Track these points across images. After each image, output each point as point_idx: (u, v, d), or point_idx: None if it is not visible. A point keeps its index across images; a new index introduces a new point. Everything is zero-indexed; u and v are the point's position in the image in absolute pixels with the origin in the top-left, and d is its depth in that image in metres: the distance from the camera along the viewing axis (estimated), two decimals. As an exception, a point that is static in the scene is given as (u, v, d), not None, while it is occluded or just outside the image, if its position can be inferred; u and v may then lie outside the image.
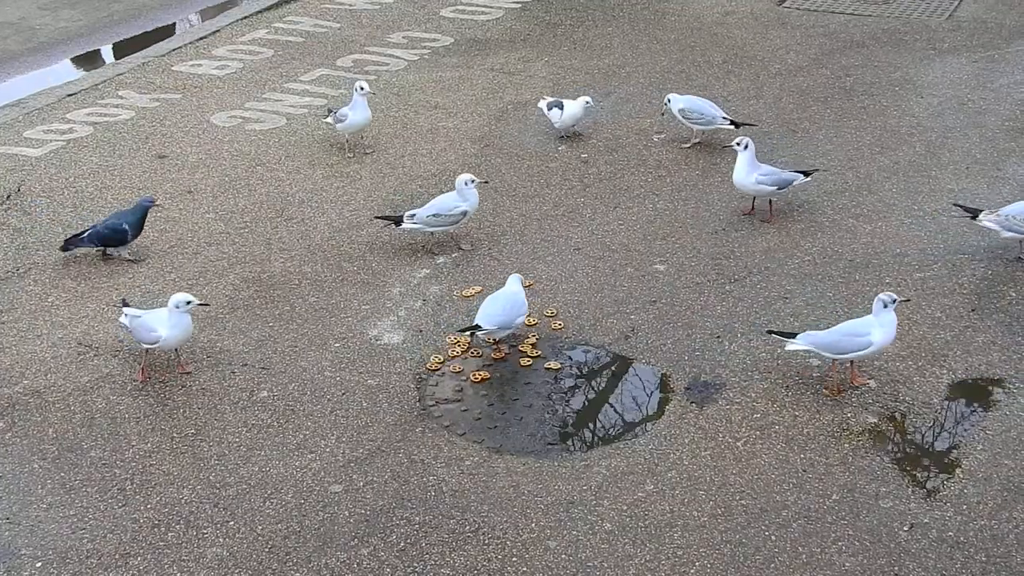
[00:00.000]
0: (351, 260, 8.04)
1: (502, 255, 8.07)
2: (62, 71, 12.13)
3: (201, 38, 12.59)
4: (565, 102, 9.60)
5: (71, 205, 8.88)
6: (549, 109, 9.65)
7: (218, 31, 12.79)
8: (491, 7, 13.34)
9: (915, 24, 12.23)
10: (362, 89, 9.37)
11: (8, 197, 8.98)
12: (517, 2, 13.48)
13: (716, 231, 8.29)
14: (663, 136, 9.80)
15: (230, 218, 8.66)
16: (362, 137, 9.68)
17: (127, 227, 8.05)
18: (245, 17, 13.25)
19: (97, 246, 8.11)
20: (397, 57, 11.87)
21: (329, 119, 9.61)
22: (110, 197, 8.99)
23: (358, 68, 11.55)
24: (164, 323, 6.70)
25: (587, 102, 9.59)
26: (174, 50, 12.25)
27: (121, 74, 11.57)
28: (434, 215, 7.97)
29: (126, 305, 7.02)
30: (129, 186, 9.16)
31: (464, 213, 8.03)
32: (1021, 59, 11.15)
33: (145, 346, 6.78)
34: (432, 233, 8.10)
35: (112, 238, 8.07)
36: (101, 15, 13.96)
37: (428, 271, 7.90)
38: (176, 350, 6.92)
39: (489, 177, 9.13)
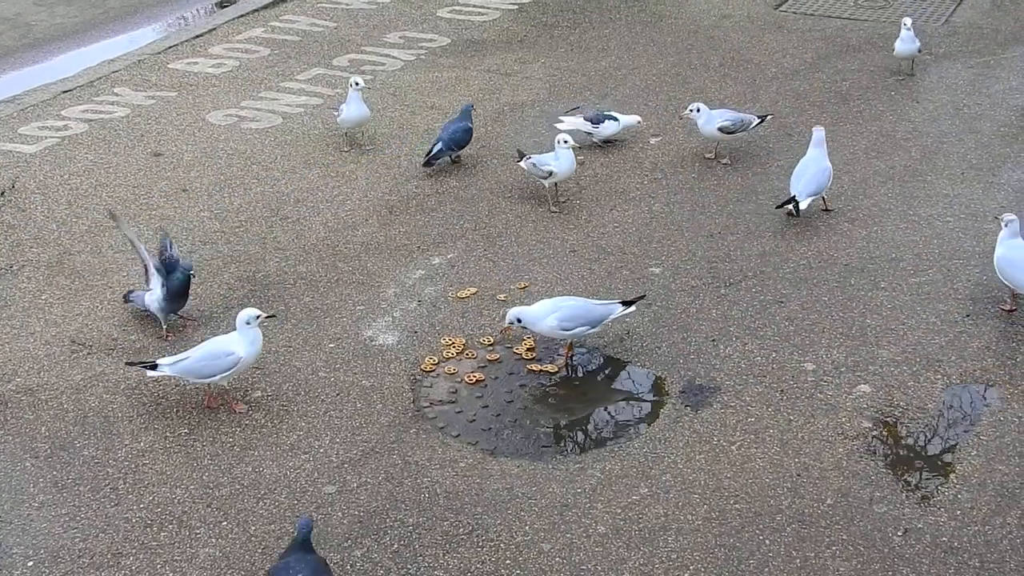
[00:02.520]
0: (346, 260, 8.03)
1: (497, 256, 8.06)
2: (57, 67, 12.09)
3: (197, 36, 12.58)
4: (620, 116, 9.53)
5: (66, 202, 8.86)
6: (596, 124, 9.49)
7: (214, 29, 12.78)
8: (488, 8, 13.34)
9: (911, 29, 12.22)
10: (356, 84, 9.39)
11: (2, 194, 8.96)
12: (514, 3, 13.48)
13: (712, 234, 8.28)
14: (659, 139, 9.80)
15: (225, 217, 8.64)
16: (360, 134, 9.64)
17: (470, 126, 9.32)
18: (241, 16, 13.25)
19: (455, 151, 9.26)
20: (394, 57, 11.87)
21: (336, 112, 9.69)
22: (105, 195, 8.97)
23: (354, 68, 11.54)
24: None
25: (639, 121, 9.61)
26: (170, 48, 12.23)
27: (117, 71, 11.56)
28: (532, 164, 8.62)
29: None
30: (124, 184, 9.15)
31: (550, 172, 8.55)
32: (1017, 65, 11.16)
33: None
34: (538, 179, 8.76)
35: (464, 139, 9.29)
36: (96, 12, 13.95)
37: (423, 272, 7.89)
38: None
39: (485, 179, 9.14)
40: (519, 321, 6.75)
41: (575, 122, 9.57)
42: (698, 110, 9.13)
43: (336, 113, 9.59)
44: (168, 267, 7.14)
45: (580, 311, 6.80)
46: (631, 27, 12.57)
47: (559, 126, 9.57)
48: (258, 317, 6.48)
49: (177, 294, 7.13)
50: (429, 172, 9.26)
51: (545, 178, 8.62)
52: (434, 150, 9.19)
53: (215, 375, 6.40)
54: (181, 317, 7.32)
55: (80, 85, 11.20)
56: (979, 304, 7.34)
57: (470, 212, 8.67)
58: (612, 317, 6.89)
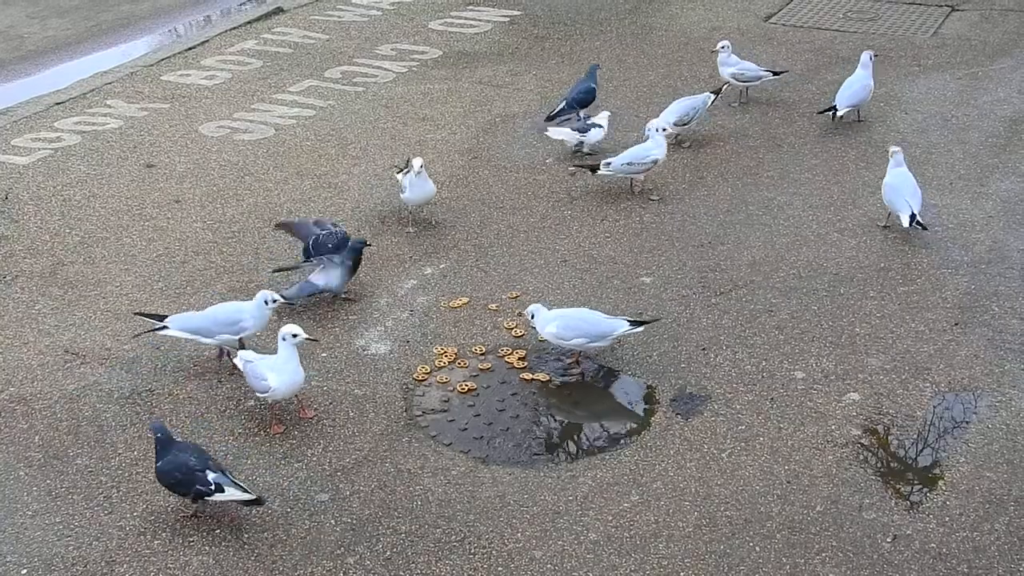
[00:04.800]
0: (339, 270, 8.06)
1: (489, 267, 8.10)
2: (50, 79, 12.12)
3: (190, 48, 12.61)
4: (595, 119, 9.66)
5: (59, 213, 8.88)
6: (584, 131, 9.57)
7: (207, 41, 12.82)
8: (480, 20, 13.40)
9: (900, 41, 12.33)
10: (416, 169, 8.34)
11: (-3, 204, 9.00)
12: (505, 16, 13.54)
13: (702, 244, 8.33)
14: (650, 149, 9.85)
15: (218, 228, 8.67)
16: (422, 211, 8.77)
17: (594, 86, 10.02)
18: (234, 28, 13.29)
19: (577, 109, 9.95)
20: (386, 69, 11.91)
21: (401, 176, 8.63)
22: (98, 205, 9.00)
23: (346, 79, 11.59)
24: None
25: (608, 115, 9.80)
26: (162, 60, 12.27)
27: (109, 83, 11.58)
28: (628, 163, 8.80)
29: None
30: (117, 195, 9.18)
31: (655, 161, 8.83)
32: (1004, 76, 11.25)
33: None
34: (629, 179, 9.05)
35: (586, 99, 10.01)
36: (89, 24, 13.97)
37: (415, 282, 7.93)
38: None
39: (476, 189, 9.18)
40: (532, 316, 6.89)
41: (563, 132, 9.64)
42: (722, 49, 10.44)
43: (402, 188, 8.57)
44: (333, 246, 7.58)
45: (581, 323, 6.83)
46: (622, 39, 12.63)
47: (549, 134, 9.69)
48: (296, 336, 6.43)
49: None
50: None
51: (648, 170, 8.89)
52: (558, 107, 10.01)
53: None
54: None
55: (73, 97, 11.23)
56: (967, 313, 7.40)
57: (461, 222, 8.71)
58: (616, 334, 6.87)
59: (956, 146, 9.77)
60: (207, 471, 5.66)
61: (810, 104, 10.69)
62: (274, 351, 6.51)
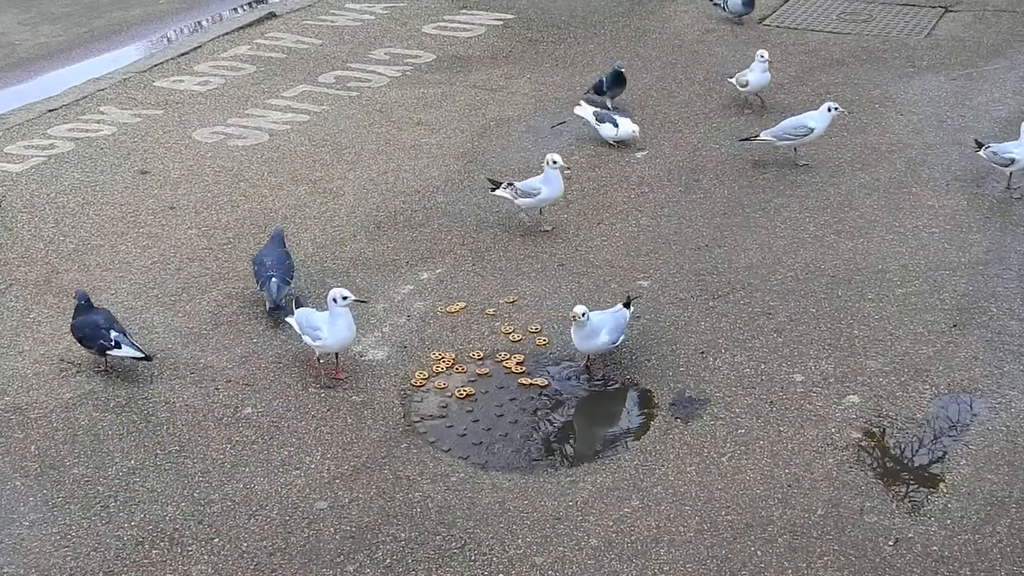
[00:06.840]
0: (334, 276, 8.03)
1: (486, 271, 8.08)
2: (42, 86, 12.07)
3: (183, 54, 12.58)
4: (619, 119, 9.84)
5: (53, 221, 8.84)
6: (600, 121, 9.85)
7: (200, 47, 12.78)
8: (473, 24, 13.38)
9: (894, 42, 12.33)
10: (554, 163, 8.37)
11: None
12: (499, 20, 13.52)
13: (699, 247, 8.32)
14: (645, 153, 9.84)
15: (213, 234, 8.64)
16: (540, 212, 8.73)
17: (622, 68, 10.65)
18: (227, 33, 13.25)
19: (604, 92, 10.56)
20: (379, 73, 11.89)
21: (505, 192, 8.60)
22: (92, 213, 8.96)
23: (340, 84, 11.56)
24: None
25: (634, 131, 9.90)
26: (155, 66, 12.22)
27: (102, 90, 11.53)
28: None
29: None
30: (111, 202, 9.14)
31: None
32: (999, 77, 11.25)
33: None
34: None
35: (617, 84, 10.61)
36: (81, 31, 13.92)
37: (412, 287, 7.90)
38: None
39: (472, 194, 9.16)
40: (587, 317, 6.76)
41: (587, 111, 10.01)
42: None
43: (512, 195, 8.53)
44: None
45: (620, 321, 6.92)
46: (616, 42, 12.61)
47: (577, 111, 10.09)
48: (346, 298, 6.77)
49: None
50: (417, 187, 9.27)
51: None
52: (594, 86, 10.73)
53: None
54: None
55: (66, 104, 11.18)
56: (966, 315, 7.39)
57: (458, 227, 8.69)
58: (627, 321, 7.02)
59: (952, 147, 9.76)
60: (111, 330, 6.72)
61: (804, 106, 10.66)
62: None
